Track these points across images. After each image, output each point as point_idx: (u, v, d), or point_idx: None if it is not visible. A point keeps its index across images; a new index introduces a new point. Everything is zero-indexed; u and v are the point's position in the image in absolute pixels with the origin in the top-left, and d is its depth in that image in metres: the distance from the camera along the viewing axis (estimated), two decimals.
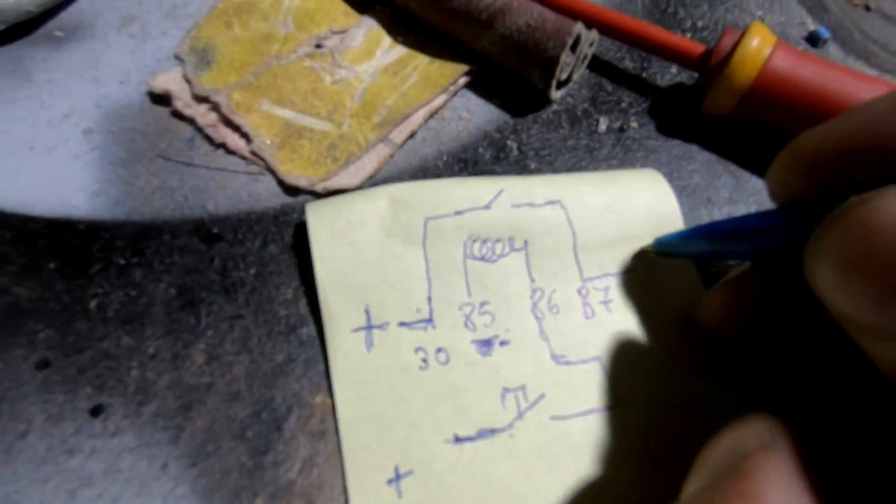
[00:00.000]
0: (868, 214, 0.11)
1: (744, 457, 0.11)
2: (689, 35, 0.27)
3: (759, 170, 0.23)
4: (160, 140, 0.22)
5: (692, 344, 0.19)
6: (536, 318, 0.19)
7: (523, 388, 0.18)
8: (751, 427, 0.12)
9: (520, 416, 0.17)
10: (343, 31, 0.25)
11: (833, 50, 0.27)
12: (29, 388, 0.17)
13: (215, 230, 0.20)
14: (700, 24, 0.27)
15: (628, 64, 0.25)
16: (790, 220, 0.14)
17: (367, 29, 0.25)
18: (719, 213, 0.22)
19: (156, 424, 0.17)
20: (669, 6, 0.28)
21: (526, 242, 0.20)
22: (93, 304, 0.18)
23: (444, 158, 0.22)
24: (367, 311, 0.18)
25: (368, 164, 0.22)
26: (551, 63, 0.22)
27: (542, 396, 0.18)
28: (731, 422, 0.13)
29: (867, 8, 0.29)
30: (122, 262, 0.19)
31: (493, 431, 0.17)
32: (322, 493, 0.16)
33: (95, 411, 0.17)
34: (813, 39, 0.27)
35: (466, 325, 0.19)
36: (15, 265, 0.19)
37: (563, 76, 0.23)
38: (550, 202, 0.20)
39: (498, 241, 0.20)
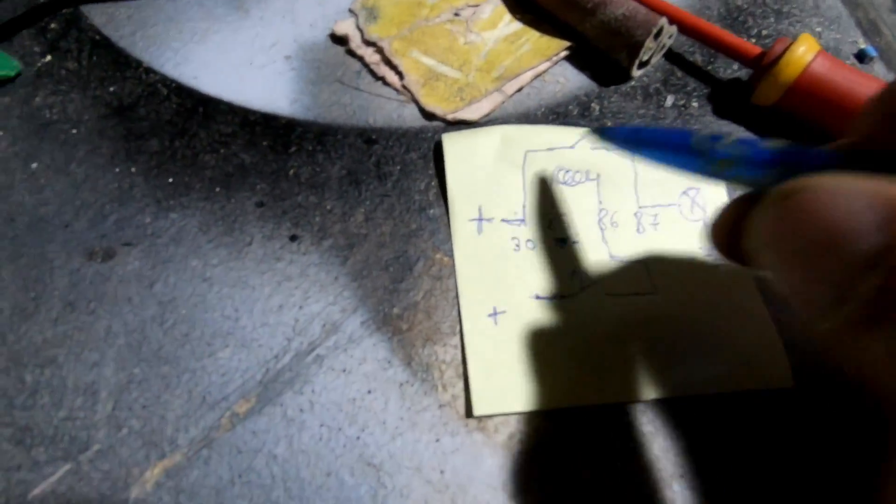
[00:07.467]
0: (808, 203, 0.10)
1: None
2: (753, 40, 0.32)
3: None
4: (337, 69, 0.30)
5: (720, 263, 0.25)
6: (601, 228, 0.26)
7: (586, 271, 0.25)
8: None
9: (583, 289, 0.24)
10: (476, 6, 0.32)
11: (878, 67, 0.32)
12: (251, 217, 0.25)
13: (373, 136, 0.28)
14: (764, 32, 0.33)
15: (698, 57, 0.32)
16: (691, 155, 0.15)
17: (493, 5, 0.32)
18: None
19: (331, 253, 0.25)
20: (741, 16, 0.33)
21: (599, 175, 0.27)
22: (291, 171, 0.27)
23: (542, 110, 0.29)
24: (479, 209, 0.26)
25: (485, 105, 0.29)
26: (637, 46, 0.28)
27: (600, 278, 0.25)
28: None
29: None
30: (310, 148, 0.27)
31: (562, 297, 0.24)
32: (436, 313, 0.24)
33: (293, 238, 0.25)
34: (861, 56, 0.32)
35: (550, 227, 0.26)
36: (241, 140, 0.27)
37: (645, 58, 0.29)
38: None
39: (578, 171, 0.27)
